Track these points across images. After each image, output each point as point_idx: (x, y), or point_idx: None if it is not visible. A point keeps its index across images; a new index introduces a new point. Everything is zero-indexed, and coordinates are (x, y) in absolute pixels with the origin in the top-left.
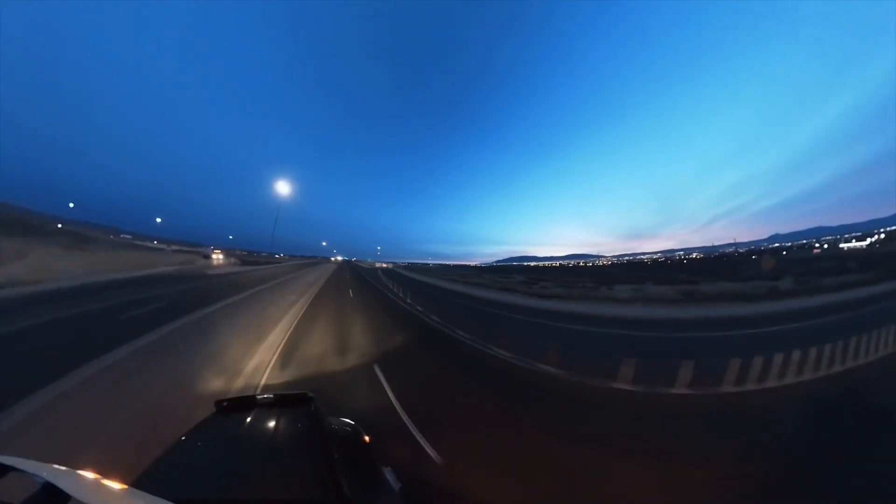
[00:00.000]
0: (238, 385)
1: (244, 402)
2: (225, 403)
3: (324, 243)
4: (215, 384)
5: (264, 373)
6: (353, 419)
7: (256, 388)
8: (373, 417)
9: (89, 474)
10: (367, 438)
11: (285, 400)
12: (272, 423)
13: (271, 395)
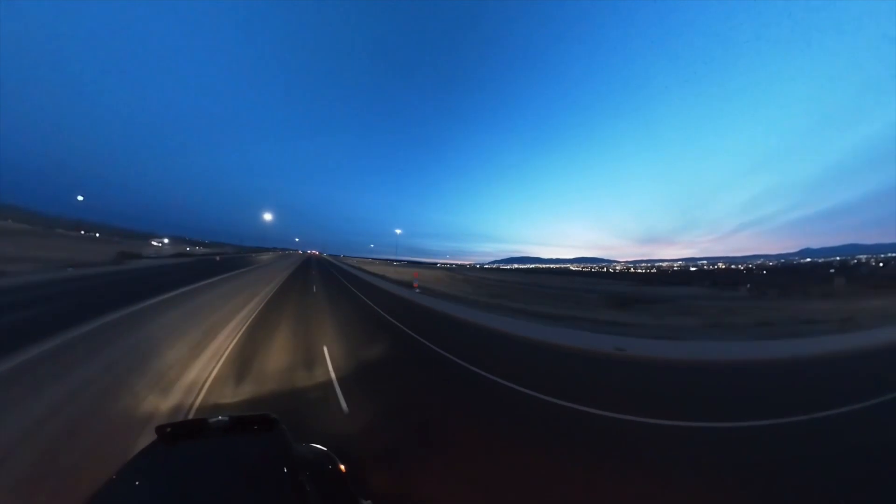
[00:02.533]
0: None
1: (193, 428)
2: (169, 430)
3: (267, 216)
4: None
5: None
6: (326, 444)
7: (205, 409)
8: None
9: None
10: (342, 467)
11: (244, 423)
12: (229, 452)
13: (226, 418)
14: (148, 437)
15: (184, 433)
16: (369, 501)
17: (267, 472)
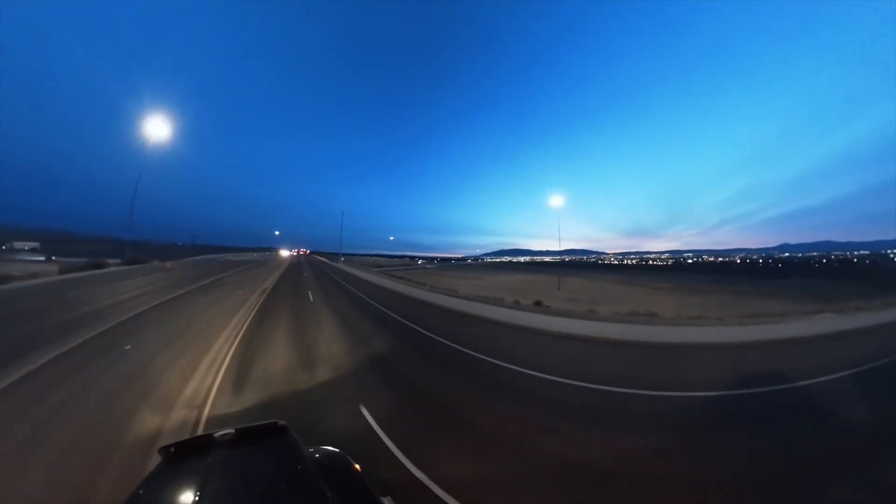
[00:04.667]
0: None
1: (199, 444)
2: (173, 449)
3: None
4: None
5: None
6: (338, 445)
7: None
8: None
9: None
10: (358, 467)
11: (251, 433)
12: (242, 466)
13: (232, 430)
14: None
15: (189, 451)
16: (389, 498)
17: (283, 480)
